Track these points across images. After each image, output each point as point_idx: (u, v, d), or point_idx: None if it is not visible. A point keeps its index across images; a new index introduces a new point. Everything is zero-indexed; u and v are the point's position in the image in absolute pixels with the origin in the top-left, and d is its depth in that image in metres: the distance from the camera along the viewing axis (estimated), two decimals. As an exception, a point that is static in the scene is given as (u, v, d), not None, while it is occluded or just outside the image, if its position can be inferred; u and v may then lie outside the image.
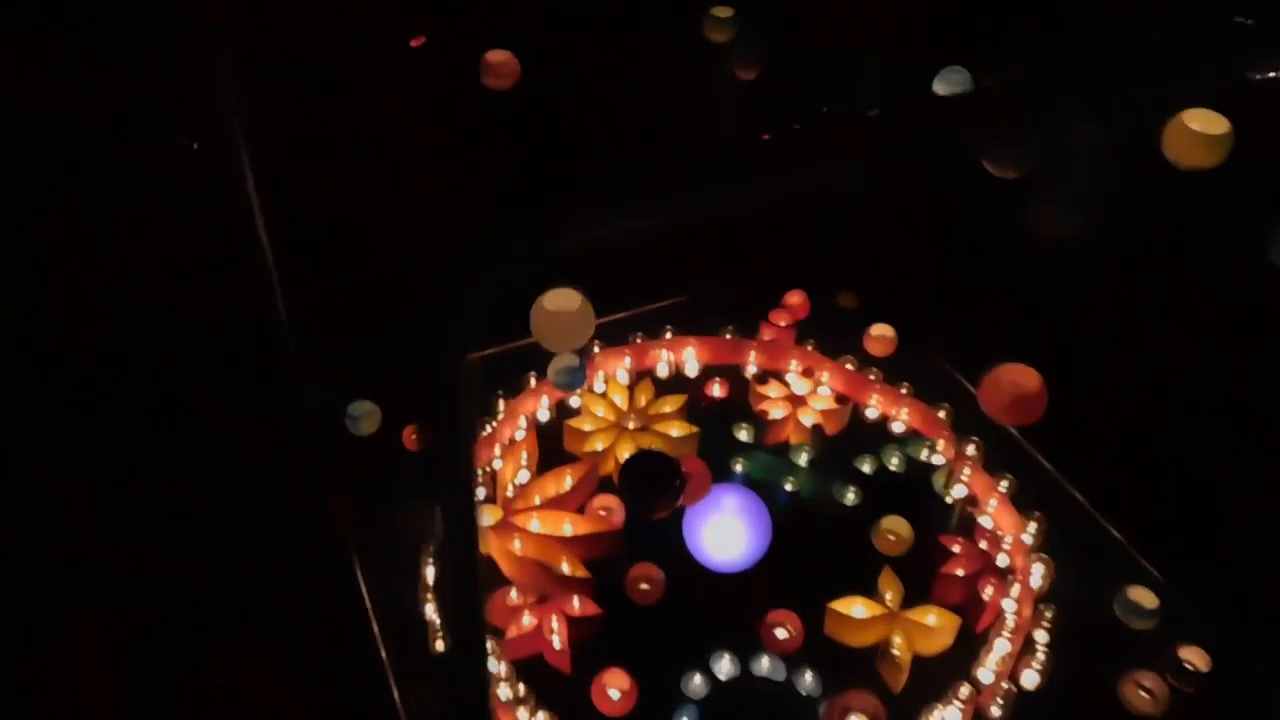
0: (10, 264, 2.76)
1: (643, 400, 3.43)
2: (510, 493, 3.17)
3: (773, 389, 3.48)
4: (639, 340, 3.62)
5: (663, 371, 3.61)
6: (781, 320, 3.73)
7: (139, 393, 3.04)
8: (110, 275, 3.00)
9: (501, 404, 3.39)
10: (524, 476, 3.24)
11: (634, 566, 2.95)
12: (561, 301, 2.05)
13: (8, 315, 2.74)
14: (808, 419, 3.38)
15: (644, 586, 2.91)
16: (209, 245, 3.06)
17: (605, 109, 3.68)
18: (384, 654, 2.84)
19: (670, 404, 3.40)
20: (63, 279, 2.94)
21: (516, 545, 3.01)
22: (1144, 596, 2.83)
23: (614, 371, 3.58)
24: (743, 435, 3.35)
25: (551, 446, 3.34)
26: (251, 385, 3.14)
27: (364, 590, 2.95)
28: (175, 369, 3.13)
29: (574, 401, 3.49)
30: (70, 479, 2.89)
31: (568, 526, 3.06)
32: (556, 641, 2.79)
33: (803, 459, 3.28)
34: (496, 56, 2.86)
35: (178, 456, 3.10)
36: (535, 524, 3.05)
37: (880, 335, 3.68)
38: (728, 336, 3.65)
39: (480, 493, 3.17)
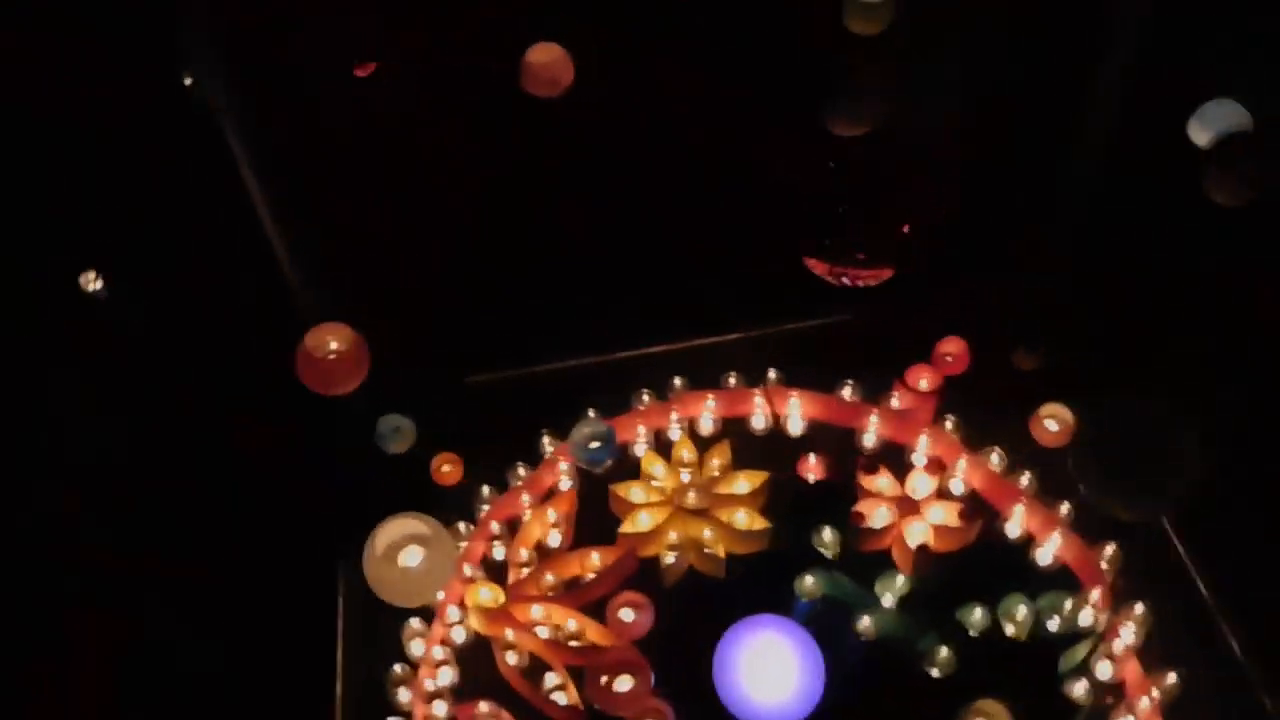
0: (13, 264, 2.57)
1: (715, 467, 2.77)
2: (525, 559, 2.65)
3: (882, 480, 2.71)
4: (731, 381, 2.93)
5: (758, 424, 2.91)
6: (923, 380, 2.90)
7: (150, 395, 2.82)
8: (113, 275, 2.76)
9: (547, 442, 2.83)
10: (555, 539, 2.71)
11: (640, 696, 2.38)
12: (401, 537, 1.48)
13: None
14: (916, 535, 2.61)
15: (645, 732, 2.34)
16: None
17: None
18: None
19: (748, 480, 2.72)
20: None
21: (509, 636, 2.51)
22: None
23: (696, 416, 2.91)
24: (824, 547, 2.62)
25: (598, 506, 2.77)
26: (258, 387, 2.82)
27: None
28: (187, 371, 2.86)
29: (638, 448, 2.87)
30: (69, 479, 2.71)
31: (571, 624, 2.52)
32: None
33: (891, 594, 2.53)
34: (542, 55, 2.18)
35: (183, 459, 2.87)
36: (537, 612, 2.54)
37: (1053, 419, 2.79)
38: (846, 394, 2.88)
39: (499, 551, 2.69)
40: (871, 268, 2.88)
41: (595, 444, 2.67)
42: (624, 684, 2.30)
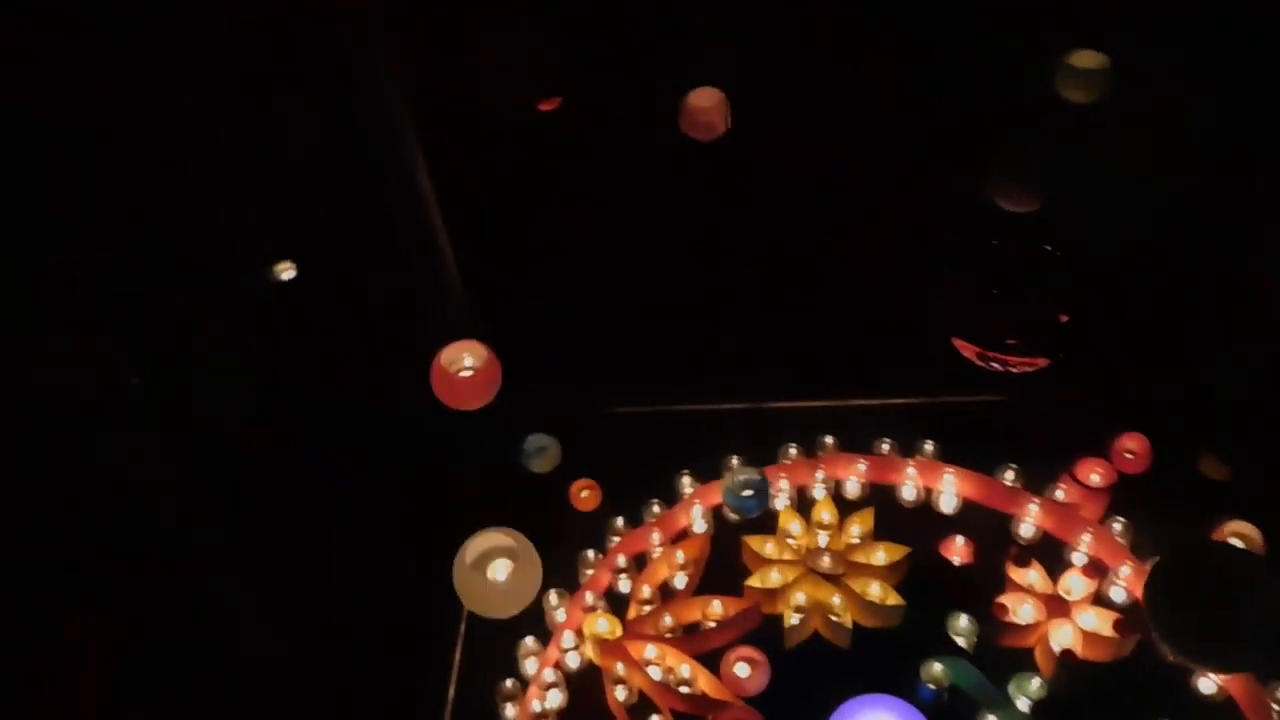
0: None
1: (854, 533, 2.67)
2: (648, 596, 2.62)
3: (1032, 575, 2.54)
4: (885, 448, 2.82)
5: (908, 495, 2.79)
6: (1095, 475, 2.70)
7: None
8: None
9: (687, 483, 2.81)
10: (680, 581, 2.68)
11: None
12: (491, 550, 1.48)
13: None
14: (1061, 639, 2.42)
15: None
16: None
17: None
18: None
19: (887, 553, 2.60)
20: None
21: (620, 670, 2.49)
22: None
23: (843, 479, 2.82)
24: (959, 634, 2.47)
25: (728, 555, 2.71)
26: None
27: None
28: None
29: (779, 501, 2.80)
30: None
31: (684, 670, 2.47)
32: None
33: (1025, 696, 2.35)
34: (702, 100, 2.19)
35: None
36: (652, 651, 2.51)
37: (1239, 537, 2.54)
38: (1007, 478, 2.72)
39: (624, 584, 2.68)
40: (1024, 355, 2.71)
41: (748, 492, 2.60)
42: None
